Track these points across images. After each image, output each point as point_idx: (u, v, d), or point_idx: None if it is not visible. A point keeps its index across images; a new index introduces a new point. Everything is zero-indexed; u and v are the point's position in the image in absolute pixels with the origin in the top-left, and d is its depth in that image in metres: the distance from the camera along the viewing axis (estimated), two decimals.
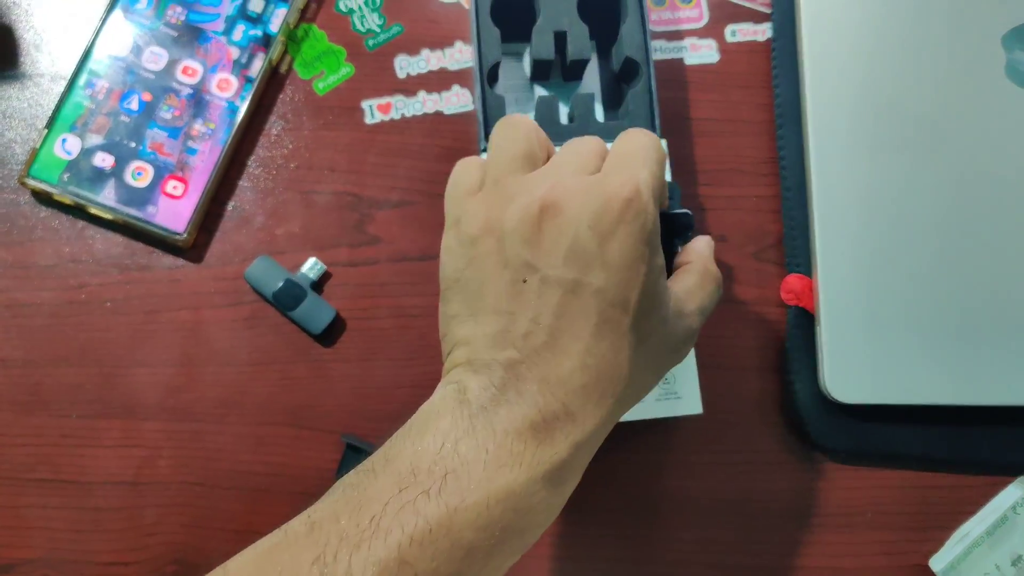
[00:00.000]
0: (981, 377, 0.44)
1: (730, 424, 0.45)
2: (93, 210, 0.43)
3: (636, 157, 0.32)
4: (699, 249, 0.37)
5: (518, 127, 0.34)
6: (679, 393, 0.41)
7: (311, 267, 0.44)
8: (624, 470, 0.44)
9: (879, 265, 0.45)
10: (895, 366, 0.44)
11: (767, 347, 0.46)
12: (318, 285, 0.45)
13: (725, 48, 0.49)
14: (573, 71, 0.47)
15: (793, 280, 0.46)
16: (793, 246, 0.47)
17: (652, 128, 0.44)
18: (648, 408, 0.41)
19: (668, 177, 0.42)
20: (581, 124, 0.45)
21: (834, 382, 0.44)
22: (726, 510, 0.44)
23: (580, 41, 0.45)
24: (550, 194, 0.31)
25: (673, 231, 0.38)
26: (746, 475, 0.45)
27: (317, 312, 0.44)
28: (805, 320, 0.46)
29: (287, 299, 0.43)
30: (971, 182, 0.46)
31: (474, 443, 0.29)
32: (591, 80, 0.48)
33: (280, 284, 0.43)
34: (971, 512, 0.45)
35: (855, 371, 0.44)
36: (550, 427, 0.30)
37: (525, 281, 0.31)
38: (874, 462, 0.46)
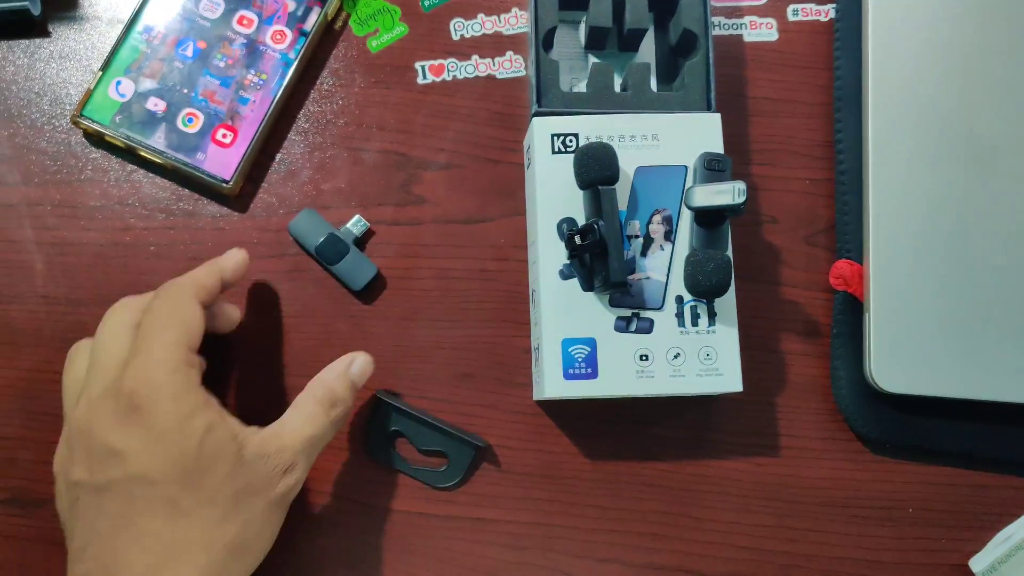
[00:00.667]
0: None
1: (772, 407, 0.44)
2: (143, 153, 0.44)
3: (146, 336, 0.36)
4: (320, 378, 0.39)
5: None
6: (720, 370, 0.40)
7: (355, 223, 0.44)
8: (663, 445, 0.44)
9: (932, 256, 0.44)
10: (943, 358, 0.43)
11: (813, 332, 0.45)
12: (361, 242, 0.45)
13: (785, 27, 0.48)
14: (629, 41, 0.46)
15: (843, 265, 0.45)
16: (845, 231, 0.45)
17: (707, 101, 0.44)
18: (688, 383, 0.40)
19: (720, 150, 0.42)
20: (635, 93, 0.44)
21: (880, 371, 0.42)
22: (764, 494, 0.43)
23: (639, 10, 0.44)
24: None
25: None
26: (786, 460, 0.44)
27: (359, 268, 0.43)
28: (853, 307, 0.45)
29: (330, 253, 0.43)
30: None
31: None
32: (646, 51, 0.47)
33: (323, 238, 0.43)
34: (1016, 515, 0.44)
35: (902, 361, 0.43)
36: None
37: (78, 499, 0.35)
38: (917, 456, 0.44)
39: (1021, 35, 0.46)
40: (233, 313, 0.42)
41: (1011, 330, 0.43)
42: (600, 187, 0.40)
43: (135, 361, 0.35)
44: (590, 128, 0.42)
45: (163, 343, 0.35)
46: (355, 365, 0.40)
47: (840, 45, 0.48)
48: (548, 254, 0.41)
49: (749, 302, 0.44)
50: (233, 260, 0.40)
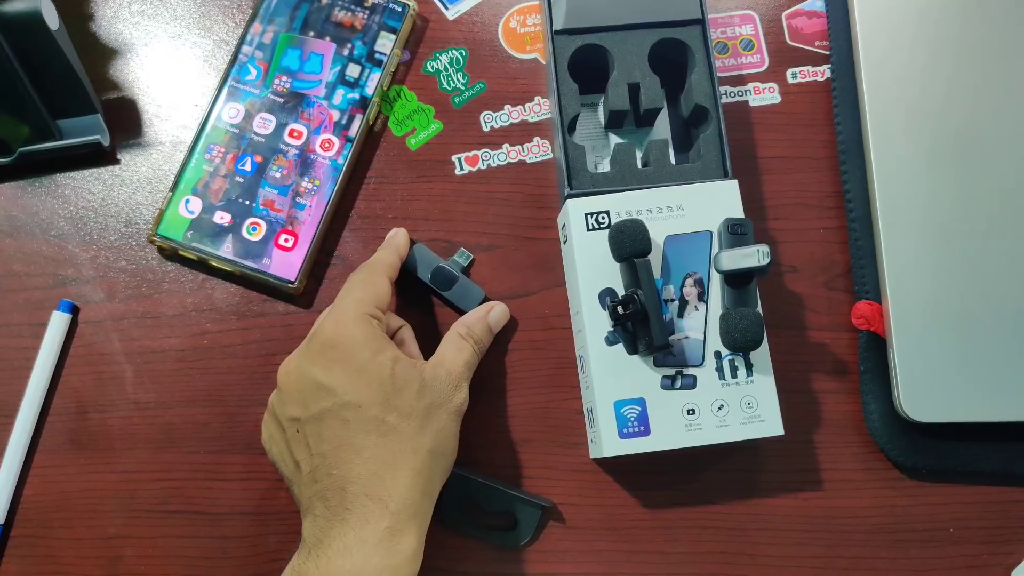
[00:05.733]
0: None
1: (811, 444, 0.48)
2: (214, 263, 0.48)
3: (341, 297, 0.44)
4: (462, 319, 0.47)
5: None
6: (762, 416, 0.44)
7: (460, 255, 0.50)
8: (715, 489, 0.47)
9: (947, 288, 0.47)
10: (968, 384, 0.46)
11: (842, 371, 0.49)
12: (467, 271, 0.50)
13: (787, 90, 0.53)
14: (646, 119, 0.50)
15: (863, 306, 0.48)
16: (861, 274, 0.49)
17: (723, 169, 0.48)
18: (734, 431, 0.43)
19: (740, 214, 0.45)
20: (656, 168, 0.48)
21: (909, 402, 0.46)
22: (813, 527, 0.46)
23: (653, 92, 0.49)
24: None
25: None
26: (830, 493, 0.47)
27: (469, 293, 0.49)
28: (877, 344, 0.48)
29: (441, 281, 0.48)
30: None
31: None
32: (662, 125, 0.51)
33: (434, 267, 0.48)
34: None
35: (929, 391, 0.46)
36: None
37: (298, 432, 0.41)
38: (953, 478, 0.47)
39: (1012, 78, 0.50)
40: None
41: None
42: (636, 260, 0.43)
43: (330, 315, 0.43)
44: (620, 205, 0.46)
45: (352, 299, 0.43)
46: (494, 312, 0.48)
47: (839, 102, 0.52)
48: (593, 323, 0.45)
49: (781, 348, 0.48)
50: (401, 238, 0.48)
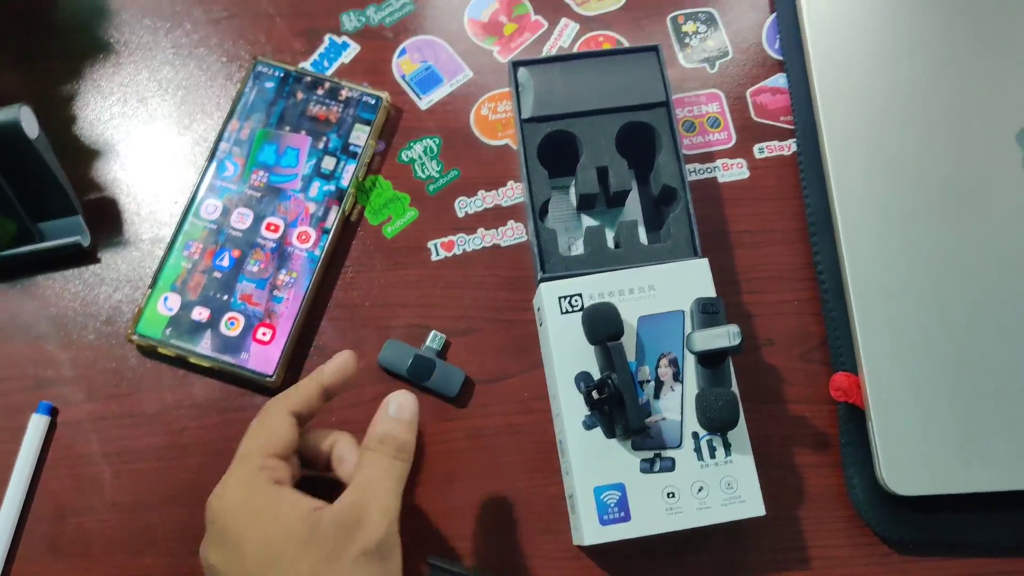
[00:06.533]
0: None
1: (796, 520, 0.47)
2: (193, 360, 0.48)
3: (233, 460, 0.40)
4: (369, 433, 0.40)
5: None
6: (742, 496, 0.43)
7: (433, 339, 0.49)
8: (700, 572, 0.46)
9: (923, 355, 0.47)
10: (950, 454, 0.46)
11: (824, 444, 0.49)
12: (443, 354, 0.50)
13: (755, 164, 0.54)
14: (616, 200, 0.51)
15: (840, 378, 0.48)
16: (837, 345, 0.49)
17: (693, 247, 0.48)
18: (714, 513, 0.43)
19: (712, 292, 0.46)
20: (627, 249, 0.48)
21: (891, 475, 0.45)
22: None
23: (621, 174, 0.50)
24: None
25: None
26: (817, 570, 0.46)
27: (449, 377, 0.48)
28: (857, 416, 0.48)
29: (420, 372, 0.48)
30: (1003, 266, 0.49)
31: None
32: (633, 205, 0.52)
33: (411, 360, 0.48)
34: None
35: (911, 463, 0.46)
36: None
37: None
38: (943, 551, 0.47)
39: (968, 142, 0.51)
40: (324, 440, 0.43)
41: (1013, 416, 0.46)
42: (608, 343, 0.44)
43: (220, 482, 0.39)
44: (592, 287, 0.46)
45: (240, 455, 0.40)
46: (398, 409, 0.41)
47: (805, 175, 0.53)
48: (570, 407, 0.45)
49: (760, 423, 0.48)
50: (333, 364, 0.42)
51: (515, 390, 0.49)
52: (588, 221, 0.52)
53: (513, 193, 0.53)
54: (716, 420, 0.43)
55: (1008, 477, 0.45)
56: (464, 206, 0.52)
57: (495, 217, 0.52)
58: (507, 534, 0.47)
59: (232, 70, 0.55)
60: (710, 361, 0.44)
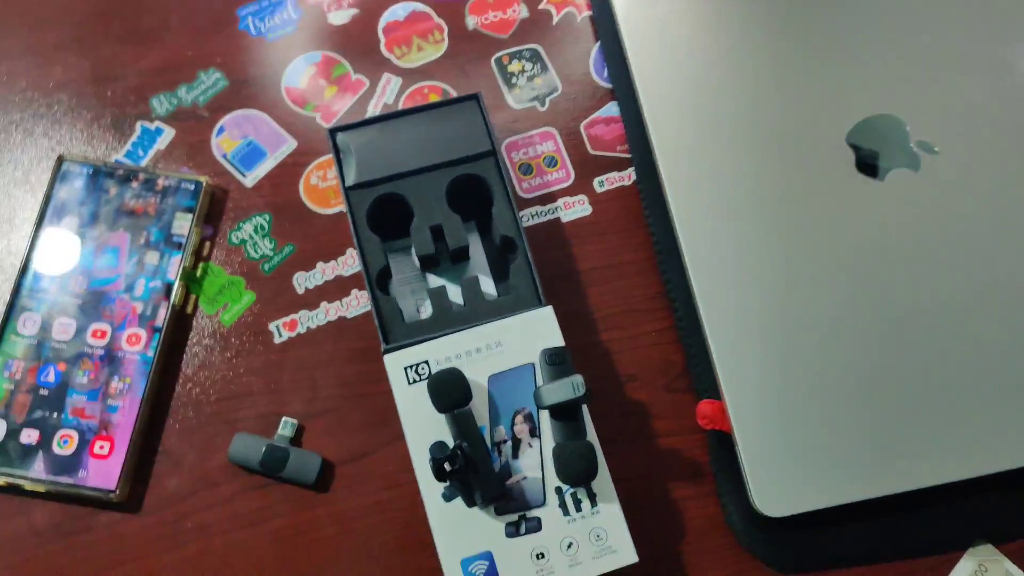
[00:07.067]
0: (903, 462, 0.45)
1: (678, 556, 0.46)
2: (28, 486, 0.45)
3: None
4: None
5: None
6: (613, 547, 0.42)
7: (284, 426, 0.47)
8: None
9: (782, 373, 0.47)
10: (818, 470, 0.45)
11: (697, 474, 0.48)
12: (297, 440, 0.48)
13: (596, 199, 0.53)
14: (458, 256, 0.50)
15: (705, 406, 0.47)
16: (697, 373, 0.49)
17: (536, 296, 0.47)
18: (587, 568, 0.42)
19: (559, 339, 0.45)
20: (471, 307, 0.47)
21: (761, 498, 0.45)
22: None
23: (456, 231, 0.48)
24: None
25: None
26: None
27: (305, 464, 0.46)
28: (726, 442, 0.47)
29: (273, 463, 0.46)
30: (848, 272, 0.49)
31: None
32: (478, 258, 0.51)
33: (263, 451, 0.46)
34: None
35: (781, 483, 0.45)
36: None
37: None
38: (824, 566, 0.46)
39: (801, 151, 0.51)
40: None
41: (874, 424, 0.46)
42: (456, 411, 0.42)
43: None
44: (438, 352, 0.45)
45: None
46: None
47: (647, 203, 0.52)
48: (427, 480, 0.43)
49: (633, 463, 0.47)
50: None
51: (379, 465, 0.47)
52: (435, 280, 0.50)
53: (353, 261, 0.51)
54: (575, 474, 0.42)
55: (875, 485, 0.45)
56: (303, 281, 0.50)
57: (337, 289, 0.50)
58: None
59: (40, 172, 0.52)
60: (562, 414, 0.43)
